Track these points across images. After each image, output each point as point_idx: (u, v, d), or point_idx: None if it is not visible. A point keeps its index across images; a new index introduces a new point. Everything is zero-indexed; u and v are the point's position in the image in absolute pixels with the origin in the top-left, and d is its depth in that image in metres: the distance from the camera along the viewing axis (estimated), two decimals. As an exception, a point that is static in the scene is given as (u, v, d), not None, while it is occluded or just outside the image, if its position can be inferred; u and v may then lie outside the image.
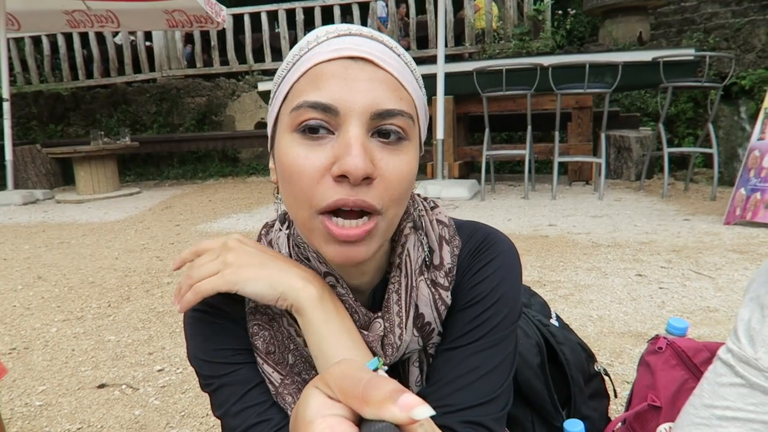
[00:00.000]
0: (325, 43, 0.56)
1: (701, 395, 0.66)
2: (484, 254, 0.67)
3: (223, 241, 0.64)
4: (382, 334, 0.63)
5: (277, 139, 0.59)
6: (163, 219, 5.06)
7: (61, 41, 9.34)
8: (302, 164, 0.54)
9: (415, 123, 0.58)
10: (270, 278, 0.60)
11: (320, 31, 0.58)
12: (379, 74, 0.55)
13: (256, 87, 7.48)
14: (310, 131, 0.54)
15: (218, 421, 0.66)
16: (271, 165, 0.64)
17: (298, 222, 0.59)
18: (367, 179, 0.53)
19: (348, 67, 0.54)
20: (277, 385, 0.63)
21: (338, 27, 0.58)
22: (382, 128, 0.54)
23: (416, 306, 0.64)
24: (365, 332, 0.63)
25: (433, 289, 0.65)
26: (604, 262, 2.96)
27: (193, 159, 8.62)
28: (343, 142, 0.53)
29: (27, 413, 1.69)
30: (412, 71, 0.59)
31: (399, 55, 0.58)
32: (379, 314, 0.64)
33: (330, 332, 0.59)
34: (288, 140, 0.56)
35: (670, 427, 0.89)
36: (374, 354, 0.63)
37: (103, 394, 1.79)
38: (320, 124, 0.53)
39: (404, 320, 0.63)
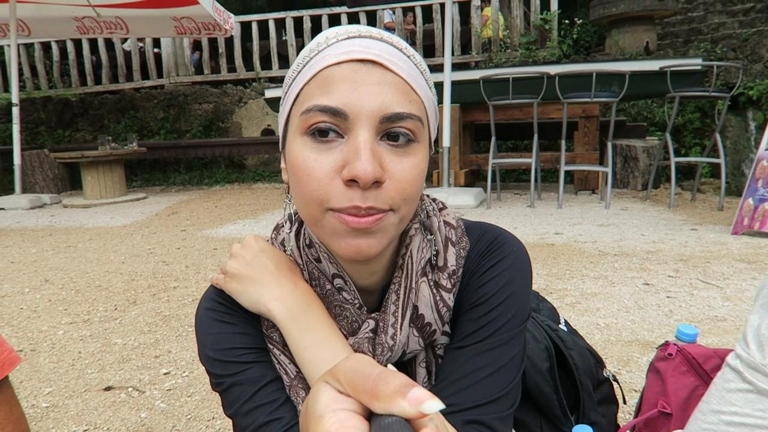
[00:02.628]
0: (334, 45, 0.56)
1: (709, 401, 0.66)
2: (493, 255, 0.67)
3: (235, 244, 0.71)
4: (371, 334, 0.63)
5: (288, 140, 0.59)
6: (170, 224, 5.08)
7: (70, 47, 9.46)
8: (312, 167, 0.54)
9: (425, 124, 0.58)
10: (251, 295, 0.65)
11: (330, 33, 0.58)
12: (388, 77, 0.55)
13: (263, 94, 7.52)
14: (320, 134, 0.54)
15: (224, 425, 0.66)
16: (282, 165, 0.64)
17: (307, 219, 0.59)
18: (376, 183, 0.53)
19: (357, 70, 0.54)
20: (292, 377, 0.63)
21: (348, 29, 0.58)
22: (391, 132, 0.55)
23: (416, 307, 0.64)
24: (353, 336, 0.64)
25: (434, 291, 0.64)
26: (611, 270, 2.95)
27: (200, 165, 8.66)
28: (352, 146, 0.53)
29: (34, 415, 1.70)
30: (421, 72, 0.59)
31: (409, 57, 0.58)
32: (374, 315, 0.64)
33: (304, 347, 0.62)
34: (299, 143, 0.56)
35: (679, 434, 0.88)
36: None
37: (110, 397, 1.79)
38: (330, 127, 0.54)
39: (399, 320, 0.62)
